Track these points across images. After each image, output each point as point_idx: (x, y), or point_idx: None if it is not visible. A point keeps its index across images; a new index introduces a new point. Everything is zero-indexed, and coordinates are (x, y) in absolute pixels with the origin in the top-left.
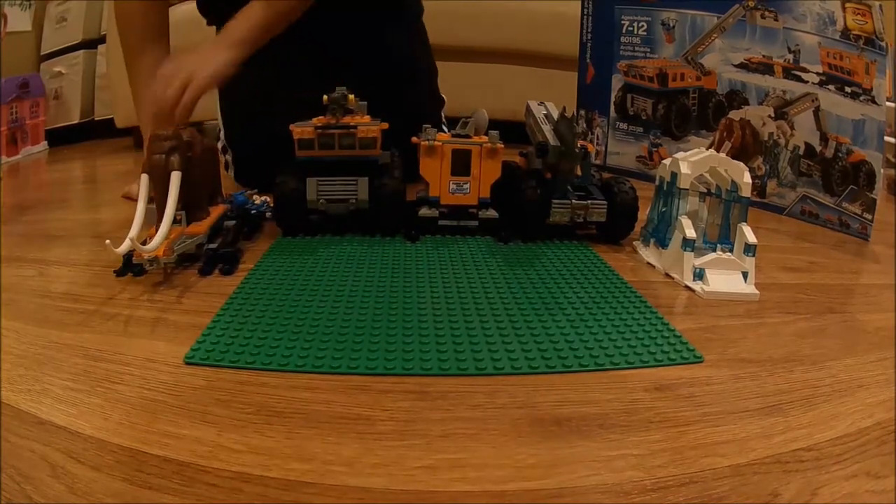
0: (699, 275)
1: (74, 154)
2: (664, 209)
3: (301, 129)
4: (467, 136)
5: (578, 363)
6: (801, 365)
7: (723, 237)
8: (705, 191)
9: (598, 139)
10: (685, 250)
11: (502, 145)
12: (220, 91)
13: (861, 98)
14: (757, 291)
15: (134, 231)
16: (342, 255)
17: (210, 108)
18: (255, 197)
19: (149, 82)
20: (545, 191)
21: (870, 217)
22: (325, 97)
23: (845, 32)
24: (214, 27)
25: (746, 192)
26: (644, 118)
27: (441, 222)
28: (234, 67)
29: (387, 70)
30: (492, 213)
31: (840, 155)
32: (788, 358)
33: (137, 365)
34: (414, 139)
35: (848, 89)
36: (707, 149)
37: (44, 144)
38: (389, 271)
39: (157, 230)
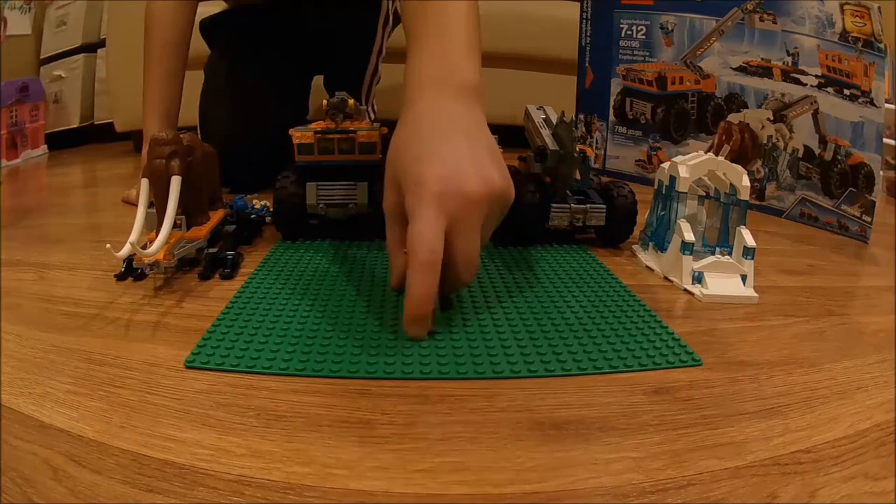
0: (698, 278)
1: (74, 158)
2: (663, 213)
3: (301, 134)
4: None
5: (577, 367)
6: (799, 367)
7: (721, 240)
8: (704, 194)
9: (596, 143)
10: (684, 254)
11: (501, 150)
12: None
13: (860, 100)
14: (756, 294)
15: (134, 235)
16: (342, 259)
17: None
18: (254, 201)
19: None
20: (544, 195)
21: (869, 219)
22: (324, 102)
23: (844, 34)
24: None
25: (745, 195)
26: (643, 122)
27: None
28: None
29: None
30: None
31: (839, 157)
32: (787, 360)
33: (138, 369)
34: None
35: (847, 91)
36: (706, 152)
37: (44, 148)
38: (389, 275)
39: (157, 235)
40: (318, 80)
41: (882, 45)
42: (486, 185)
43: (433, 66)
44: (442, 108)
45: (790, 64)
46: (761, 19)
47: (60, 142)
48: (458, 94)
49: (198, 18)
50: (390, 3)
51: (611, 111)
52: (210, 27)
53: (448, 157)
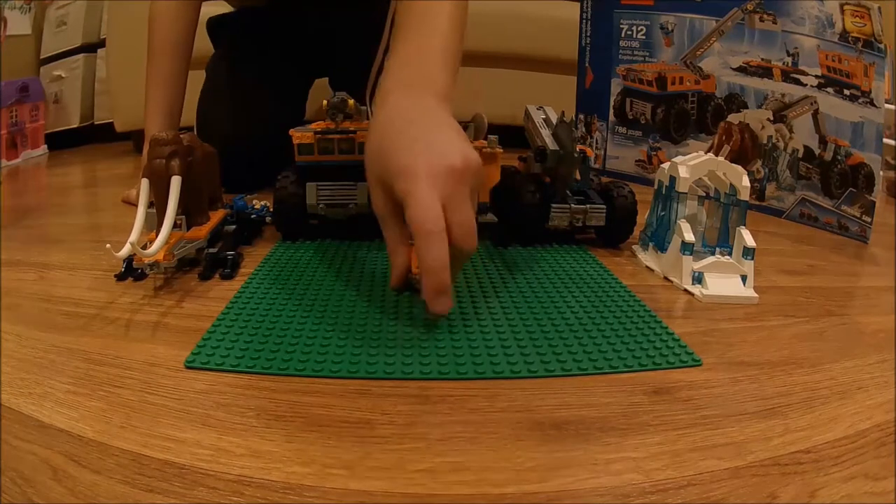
0: (698, 278)
1: (74, 158)
2: (663, 213)
3: (301, 134)
4: None
5: (577, 367)
6: (799, 368)
7: (721, 241)
8: (704, 194)
9: (596, 143)
10: (684, 254)
11: (501, 150)
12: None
13: (860, 100)
14: (756, 295)
15: (134, 235)
16: (342, 259)
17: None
18: (254, 202)
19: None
20: (544, 195)
21: (869, 219)
22: (324, 102)
23: (844, 35)
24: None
25: (745, 195)
26: (643, 122)
27: None
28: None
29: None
30: (491, 217)
31: (839, 158)
32: (787, 361)
33: (138, 369)
34: None
35: (846, 92)
36: (706, 152)
37: (44, 148)
38: (389, 276)
39: (157, 235)
40: (322, 81)
41: (882, 46)
42: (467, 160)
43: (406, 71)
44: (409, 105)
45: (790, 64)
46: (761, 19)
47: (60, 142)
48: (425, 94)
49: (206, 18)
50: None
51: (611, 111)
52: (216, 27)
53: (426, 142)
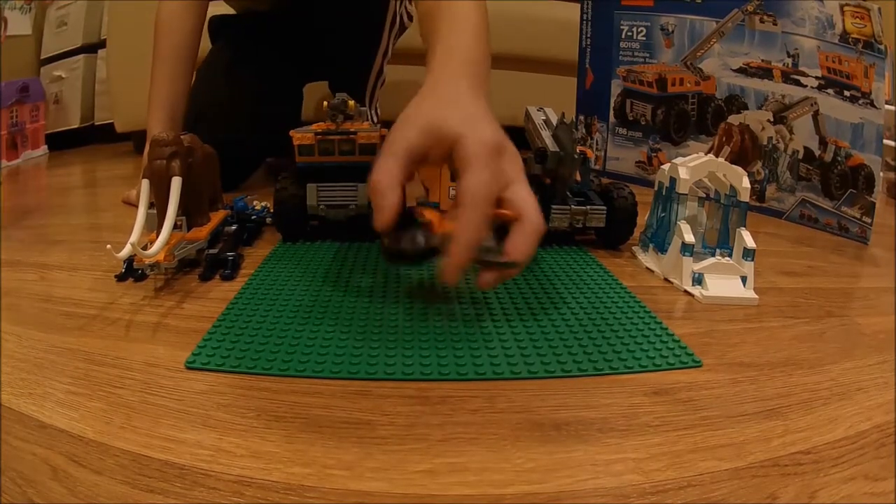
0: (698, 280)
1: (75, 158)
2: (663, 214)
3: (301, 135)
4: None
5: (577, 368)
6: (799, 369)
7: (722, 242)
8: (704, 196)
9: (597, 144)
10: (684, 255)
11: None
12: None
13: (860, 101)
14: (756, 296)
15: (135, 236)
16: (342, 260)
17: None
18: (255, 202)
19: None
20: (544, 196)
21: (869, 221)
22: (325, 103)
23: (844, 36)
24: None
25: (745, 196)
26: (643, 123)
27: None
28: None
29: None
30: None
31: (839, 159)
32: (787, 362)
33: (138, 369)
34: None
35: (847, 93)
36: (706, 154)
37: (44, 149)
38: (390, 276)
39: (157, 235)
40: (322, 83)
41: (882, 47)
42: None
43: (443, 70)
44: (452, 87)
45: (790, 65)
46: (761, 21)
47: (61, 142)
48: (465, 82)
49: (210, 17)
50: (398, 4)
51: (611, 112)
52: (218, 25)
53: (480, 115)
